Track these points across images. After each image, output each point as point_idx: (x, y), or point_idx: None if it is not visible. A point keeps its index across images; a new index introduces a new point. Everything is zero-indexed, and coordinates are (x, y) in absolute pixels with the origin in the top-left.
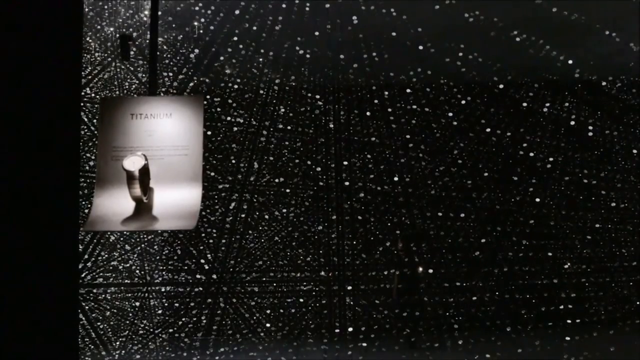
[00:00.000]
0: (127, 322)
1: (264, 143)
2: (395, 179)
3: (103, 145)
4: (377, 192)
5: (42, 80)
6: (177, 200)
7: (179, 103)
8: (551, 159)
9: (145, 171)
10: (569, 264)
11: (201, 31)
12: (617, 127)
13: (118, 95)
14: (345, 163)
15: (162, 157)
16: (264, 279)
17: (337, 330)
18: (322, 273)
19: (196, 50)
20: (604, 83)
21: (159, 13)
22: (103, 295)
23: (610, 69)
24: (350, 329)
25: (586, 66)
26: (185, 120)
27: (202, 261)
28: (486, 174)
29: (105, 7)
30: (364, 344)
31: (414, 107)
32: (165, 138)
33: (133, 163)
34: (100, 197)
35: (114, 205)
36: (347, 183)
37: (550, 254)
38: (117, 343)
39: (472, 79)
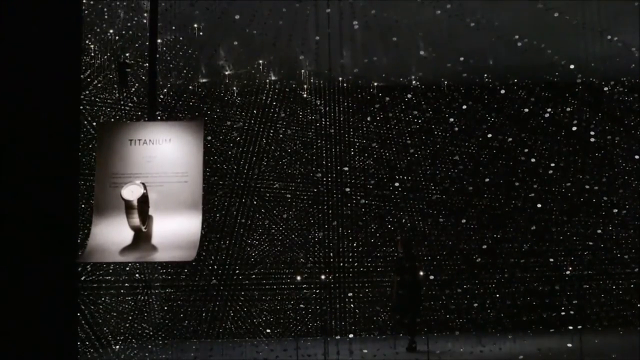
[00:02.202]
0: (127, 324)
1: (264, 146)
2: (396, 184)
3: (101, 172)
4: (377, 196)
5: (41, 84)
6: (176, 229)
7: (178, 128)
8: (552, 165)
9: (144, 200)
10: (570, 268)
11: (201, 33)
12: (618, 130)
13: (116, 118)
14: (346, 168)
15: (162, 184)
16: (264, 281)
17: (337, 337)
18: (323, 277)
19: (196, 53)
20: (605, 89)
21: (159, 16)
22: (103, 298)
23: (612, 72)
24: (351, 335)
25: (587, 69)
26: (184, 145)
27: (202, 266)
28: (487, 180)
29: (105, 9)
30: (365, 350)
31: (415, 112)
32: (164, 164)
33: (132, 192)
34: (98, 225)
35: (112, 234)
36: (347, 189)
37: (551, 260)
38: (117, 347)
39: (473, 82)
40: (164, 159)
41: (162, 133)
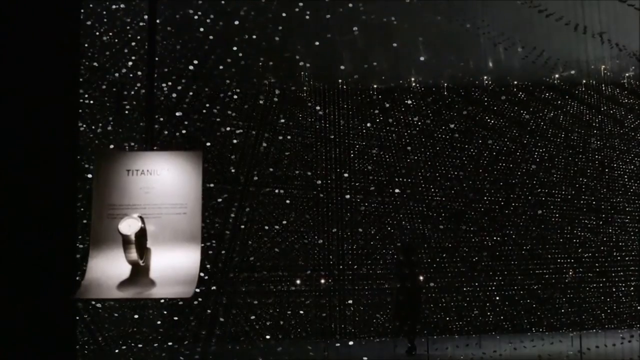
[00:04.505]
0: (127, 328)
1: (263, 150)
2: (397, 190)
3: (98, 203)
4: (377, 200)
5: (39, 86)
6: (175, 262)
7: (177, 158)
8: (553, 170)
9: (142, 233)
10: (571, 271)
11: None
12: (619, 133)
13: (113, 148)
14: (346, 175)
15: (160, 216)
16: (263, 285)
17: (337, 344)
18: (322, 281)
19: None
20: (606, 92)
21: (158, 21)
22: (101, 303)
23: (612, 74)
24: (351, 343)
25: (587, 72)
26: (183, 176)
27: (202, 274)
28: (487, 183)
29: (104, 12)
30: (365, 357)
31: (414, 115)
32: (162, 195)
33: (129, 226)
34: (95, 258)
35: (109, 267)
36: (347, 196)
37: (552, 265)
38: (117, 350)
39: (473, 84)
40: (162, 189)
41: (160, 163)
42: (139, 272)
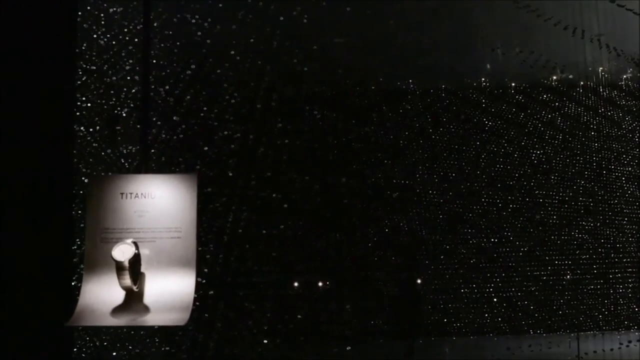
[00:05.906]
0: (125, 331)
1: (261, 156)
2: (395, 194)
3: (91, 226)
4: (375, 205)
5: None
6: (169, 288)
7: (171, 181)
8: (551, 172)
9: (136, 259)
10: (568, 273)
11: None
12: (616, 135)
13: (107, 173)
14: (344, 179)
15: (154, 240)
16: (261, 290)
17: (334, 349)
18: (320, 284)
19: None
20: (605, 95)
21: (155, 24)
22: None
23: (610, 76)
24: (349, 348)
25: (586, 73)
26: (178, 200)
27: (200, 278)
28: (485, 186)
29: (102, 15)
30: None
31: (413, 121)
32: (157, 219)
33: (123, 253)
34: (89, 283)
35: (102, 292)
36: (345, 200)
37: (550, 267)
38: (114, 354)
39: (470, 87)
40: (156, 213)
41: (154, 186)
42: (133, 298)
